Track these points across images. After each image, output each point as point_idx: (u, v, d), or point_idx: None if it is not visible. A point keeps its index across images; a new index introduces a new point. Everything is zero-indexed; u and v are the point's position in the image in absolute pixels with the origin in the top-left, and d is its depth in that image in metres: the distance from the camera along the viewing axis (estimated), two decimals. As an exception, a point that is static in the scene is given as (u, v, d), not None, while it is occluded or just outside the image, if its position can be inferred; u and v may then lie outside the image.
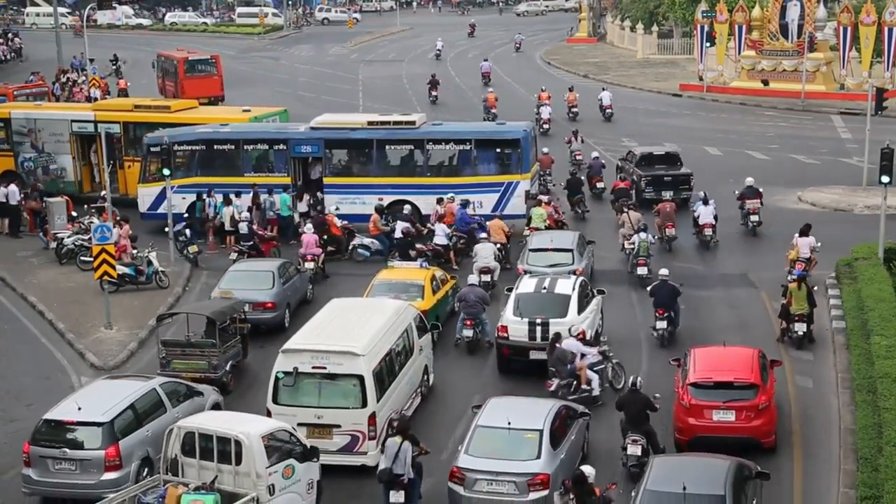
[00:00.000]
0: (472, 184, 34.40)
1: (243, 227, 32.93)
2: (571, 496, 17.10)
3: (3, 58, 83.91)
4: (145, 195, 36.71)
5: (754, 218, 34.52)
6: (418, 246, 32.15)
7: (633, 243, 30.57)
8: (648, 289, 26.83)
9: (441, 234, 32.20)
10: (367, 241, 33.23)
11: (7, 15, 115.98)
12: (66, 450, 19.11)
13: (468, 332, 26.01)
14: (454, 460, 18.64)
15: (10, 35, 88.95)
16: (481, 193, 34.14)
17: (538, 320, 24.13)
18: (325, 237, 32.99)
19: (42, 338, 28.01)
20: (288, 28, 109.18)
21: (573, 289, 24.99)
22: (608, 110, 55.12)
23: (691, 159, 45.51)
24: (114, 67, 72.88)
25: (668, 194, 36.09)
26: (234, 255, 32.25)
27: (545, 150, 40.50)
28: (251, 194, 34.96)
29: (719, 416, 20.39)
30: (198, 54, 64.22)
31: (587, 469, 17.34)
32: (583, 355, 22.85)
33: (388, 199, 34.51)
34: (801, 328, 25.52)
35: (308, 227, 32.17)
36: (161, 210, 35.94)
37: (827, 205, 38.12)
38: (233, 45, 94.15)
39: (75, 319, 28.75)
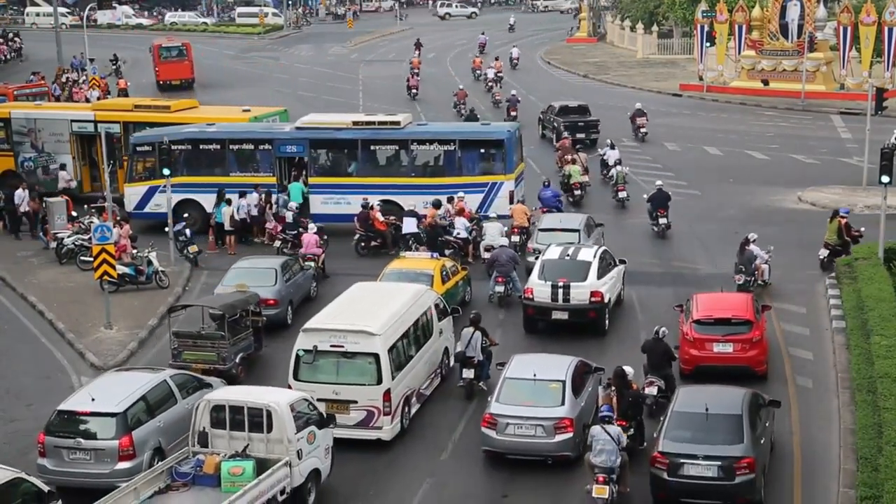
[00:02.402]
0: (456, 184, 34.33)
1: (289, 217, 33.43)
2: (613, 388, 20.23)
3: (3, 58, 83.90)
4: (131, 195, 36.84)
5: (643, 130, 49.35)
6: (448, 238, 32.36)
7: (613, 175, 38.82)
8: (645, 196, 34.51)
9: (462, 228, 32.54)
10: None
11: (7, 15, 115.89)
12: (81, 440, 19.35)
13: (500, 289, 28.68)
14: (486, 408, 20.49)
15: (10, 34, 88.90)
16: (466, 193, 33.96)
17: (560, 283, 26.32)
18: (370, 232, 33.26)
19: (42, 338, 28.00)
20: (288, 28, 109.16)
21: (594, 256, 27.20)
22: (515, 61, 73.43)
23: (690, 159, 45.70)
24: (114, 67, 72.95)
25: (581, 135, 46.95)
26: (277, 244, 32.84)
27: (461, 86, 55.68)
28: (258, 194, 34.84)
29: (719, 348, 23.26)
30: (172, 42, 71.56)
31: (627, 368, 20.56)
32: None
33: (373, 199, 34.41)
34: (823, 253, 30.15)
35: (310, 227, 32.20)
36: (147, 209, 36.36)
37: (827, 205, 38.01)
38: (233, 45, 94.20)
39: (75, 319, 28.74)
